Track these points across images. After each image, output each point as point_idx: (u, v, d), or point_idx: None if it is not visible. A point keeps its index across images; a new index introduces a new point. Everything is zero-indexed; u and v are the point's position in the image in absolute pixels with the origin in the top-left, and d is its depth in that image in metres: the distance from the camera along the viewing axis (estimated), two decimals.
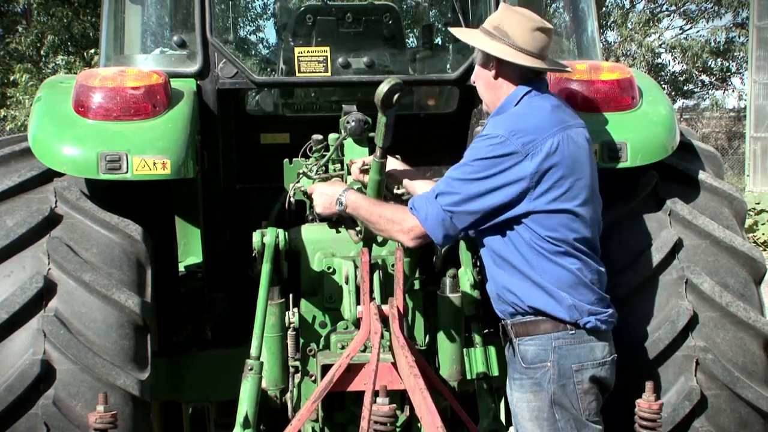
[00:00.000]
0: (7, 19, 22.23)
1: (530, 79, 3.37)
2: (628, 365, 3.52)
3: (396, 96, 3.31)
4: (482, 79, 3.45)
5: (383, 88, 3.28)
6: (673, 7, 28.01)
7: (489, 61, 3.39)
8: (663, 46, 27.53)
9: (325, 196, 3.63)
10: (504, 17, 3.37)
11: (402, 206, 3.46)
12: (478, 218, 3.25)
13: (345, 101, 4.31)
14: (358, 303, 3.71)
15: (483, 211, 3.22)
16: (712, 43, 27.43)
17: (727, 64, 28.60)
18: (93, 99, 3.71)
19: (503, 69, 3.37)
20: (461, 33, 3.58)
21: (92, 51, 17.06)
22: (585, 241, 3.29)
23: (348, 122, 4.01)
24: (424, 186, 3.71)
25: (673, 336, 3.58)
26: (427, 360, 3.79)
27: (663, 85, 26.06)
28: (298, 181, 4.13)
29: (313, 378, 3.88)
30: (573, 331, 3.24)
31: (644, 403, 3.20)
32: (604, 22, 26.27)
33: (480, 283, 3.96)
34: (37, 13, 20.14)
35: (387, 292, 3.73)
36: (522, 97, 3.35)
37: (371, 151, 3.86)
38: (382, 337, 3.46)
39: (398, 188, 4.11)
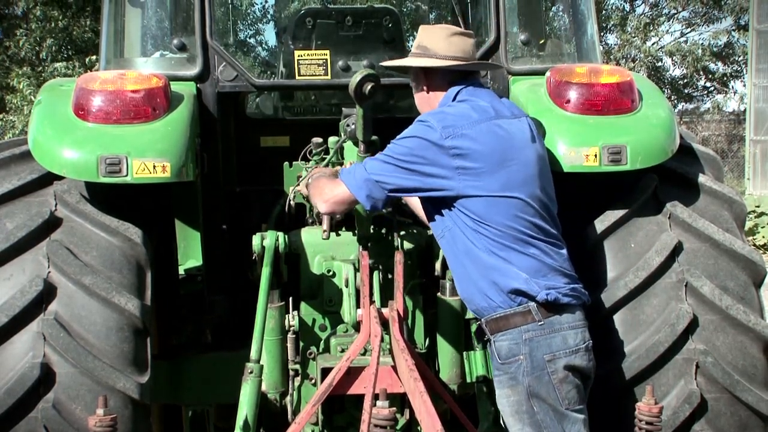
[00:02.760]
0: (6, 23, 22.23)
1: (459, 81, 3.51)
2: (628, 368, 3.53)
3: (369, 87, 3.31)
4: (421, 101, 3.60)
5: (355, 79, 3.30)
6: (674, 11, 28.03)
7: (419, 80, 3.56)
8: (662, 50, 27.54)
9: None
10: (423, 36, 3.55)
11: (336, 178, 3.57)
12: (403, 183, 3.34)
13: (345, 104, 4.31)
14: (358, 306, 3.71)
15: (408, 179, 3.33)
16: (714, 48, 27.43)
17: (728, 69, 28.59)
18: (93, 102, 3.71)
19: (432, 80, 3.53)
20: (392, 63, 3.70)
21: (93, 57, 17.06)
22: (537, 228, 3.33)
23: (348, 125, 4.01)
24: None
25: (673, 339, 3.58)
26: (426, 363, 3.79)
27: (663, 89, 26.07)
28: (298, 184, 4.13)
29: (313, 381, 3.88)
30: (542, 322, 3.26)
31: (644, 406, 3.21)
32: (604, 26, 26.27)
33: None
34: (36, 19, 20.12)
35: (387, 295, 3.73)
36: (455, 97, 3.47)
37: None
38: (382, 340, 3.45)
39: None
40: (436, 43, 3.49)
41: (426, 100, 3.56)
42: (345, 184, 3.42)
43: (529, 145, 3.42)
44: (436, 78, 3.52)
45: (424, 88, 3.55)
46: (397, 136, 3.41)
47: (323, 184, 3.61)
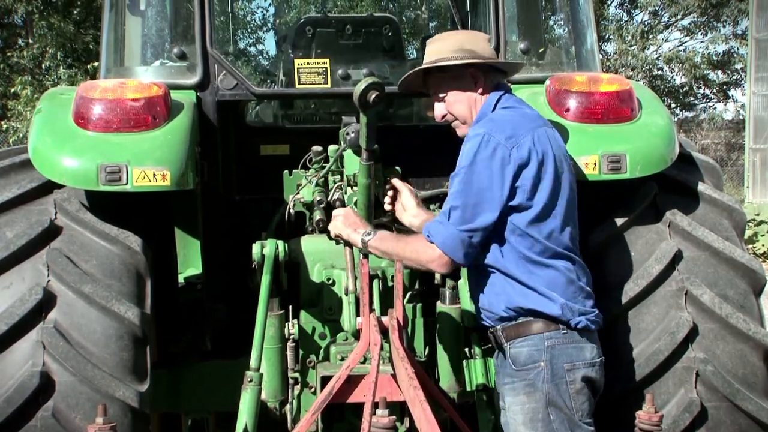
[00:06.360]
0: (7, 32, 22.28)
1: (500, 85, 3.51)
2: (628, 377, 3.52)
3: (373, 95, 3.30)
4: (459, 102, 3.48)
5: (360, 88, 3.29)
6: (673, 19, 28.07)
7: (468, 82, 3.46)
8: (660, 58, 27.56)
9: (349, 228, 3.57)
10: (461, 39, 3.50)
11: (419, 235, 3.42)
12: (488, 226, 3.24)
13: (345, 113, 4.31)
14: (357, 314, 3.71)
15: (490, 215, 3.22)
16: (714, 57, 27.46)
17: (726, 78, 28.62)
18: (93, 111, 3.72)
19: (487, 82, 3.46)
20: (421, 67, 3.53)
21: (95, 64, 17.08)
22: (572, 240, 3.33)
23: (348, 134, 4.01)
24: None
25: (673, 347, 3.58)
26: (426, 371, 3.78)
27: (663, 98, 26.09)
28: (298, 193, 4.14)
29: (313, 389, 3.87)
30: (565, 331, 3.26)
31: (644, 415, 3.20)
32: (604, 35, 26.31)
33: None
34: (38, 27, 20.17)
35: (387, 304, 3.72)
36: (496, 103, 3.44)
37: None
38: (381, 348, 3.45)
39: None
40: (479, 45, 3.46)
41: (473, 103, 3.46)
42: (435, 242, 3.27)
43: (566, 154, 3.44)
44: (488, 79, 3.47)
45: (480, 89, 3.46)
46: (458, 163, 3.28)
47: (412, 246, 3.38)
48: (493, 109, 3.43)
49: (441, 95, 3.51)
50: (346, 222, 3.59)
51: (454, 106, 3.49)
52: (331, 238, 3.89)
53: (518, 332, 3.29)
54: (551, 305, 3.25)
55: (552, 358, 3.24)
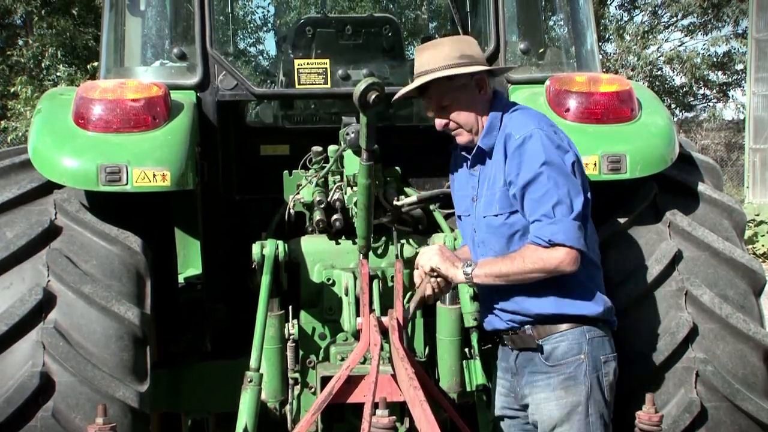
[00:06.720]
0: (7, 32, 22.28)
1: (494, 90, 3.47)
2: (628, 377, 3.52)
3: (373, 96, 3.28)
4: (467, 109, 3.37)
5: (360, 88, 3.28)
6: (673, 19, 28.06)
7: (473, 88, 3.36)
8: (661, 58, 27.56)
9: (447, 263, 3.41)
10: (462, 46, 3.38)
11: (527, 246, 3.23)
12: (586, 207, 3.25)
13: (344, 113, 4.31)
14: (357, 314, 3.71)
15: (581, 197, 3.21)
16: (714, 58, 27.45)
17: (726, 79, 28.61)
18: (93, 111, 3.72)
19: (489, 86, 3.40)
20: (431, 76, 3.34)
21: (95, 64, 17.10)
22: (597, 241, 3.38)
23: (347, 134, 4.01)
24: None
25: (673, 348, 3.58)
26: (426, 372, 3.78)
27: (663, 98, 26.08)
28: (298, 193, 4.13)
29: (313, 390, 3.88)
30: (600, 324, 3.29)
31: (644, 415, 3.20)
32: (604, 35, 26.31)
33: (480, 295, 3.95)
34: (38, 27, 20.17)
35: (386, 304, 3.72)
36: (504, 106, 3.39)
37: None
38: (381, 348, 3.45)
39: (398, 199, 4.12)
40: (476, 50, 3.41)
41: (479, 109, 3.37)
42: (563, 243, 3.16)
43: None
44: (490, 85, 3.43)
45: (484, 95, 3.38)
46: (534, 163, 3.18)
47: (530, 258, 3.21)
48: (505, 112, 3.38)
49: (444, 104, 3.38)
50: (442, 257, 3.41)
51: (461, 114, 3.38)
52: (330, 239, 3.89)
53: (556, 328, 3.28)
54: (599, 304, 3.28)
55: (592, 350, 3.25)
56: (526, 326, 3.32)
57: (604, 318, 3.29)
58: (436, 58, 3.34)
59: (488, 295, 3.44)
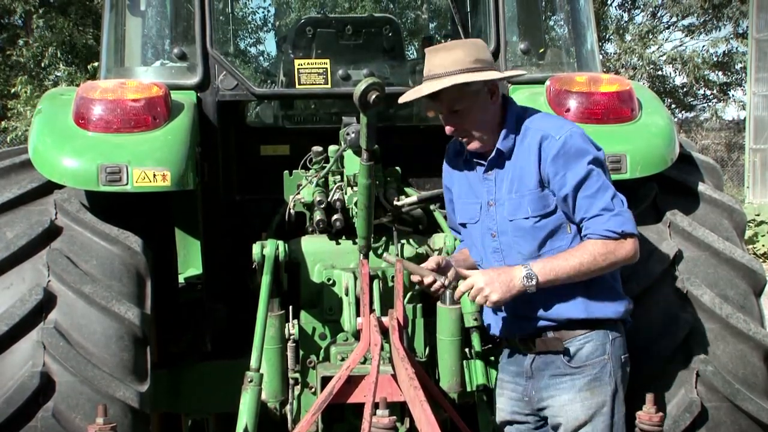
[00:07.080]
0: (7, 33, 22.29)
1: (503, 95, 3.41)
2: (629, 377, 3.52)
3: (374, 96, 3.27)
4: (481, 115, 3.29)
5: (360, 88, 3.27)
6: (674, 19, 28.06)
7: (485, 94, 3.27)
8: (662, 58, 27.56)
9: (502, 282, 3.18)
10: (474, 51, 3.27)
11: (590, 242, 3.18)
12: None
13: (345, 113, 4.32)
14: (358, 314, 3.71)
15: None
16: (714, 57, 27.45)
17: (727, 79, 28.60)
18: (93, 111, 3.72)
19: (497, 92, 3.32)
20: (449, 81, 3.21)
21: (95, 64, 17.10)
22: None
23: (348, 134, 4.01)
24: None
25: (674, 348, 3.58)
26: (427, 372, 3.78)
27: (663, 98, 26.07)
28: (298, 193, 4.13)
29: (313, 390, 3.88)
30: (620, 325, 3.32)
31: (645, 416, 3.20)
32: (604, 35, 26.31)
33: None
34: (37, 26, 20.18)
35: (387, 304, 3.72)
36: (517, 110, 3.35)
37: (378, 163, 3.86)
38: (382, 348, 3.45)
39: (398, 199, 4.12)
40: (488, 54, 3.34)
41: (491, 115, 3.31)
42: (632, 232, 3.18)
43: None
44: (498, 90, 3.34)
45: (495, 100, 3.31)
46: (580, 162, 3.17)
47: (598, 252, 3.16)
48: (520, 115, 3.34)
49: (456, 108, 3.26)
50: (498, 281, 3.18)
51: (474, 119, 3.28)
52: (330, 239, 3.88)
53: (580, 331, 3.26)
54: (622, 305, 3.30)
55: (615, 350, 3.26)
56: (549, 331, 3.29)
57: (623, 318, 3.32)
58: (449, 61, 3.22)
59: (508, 303, 3.26)
